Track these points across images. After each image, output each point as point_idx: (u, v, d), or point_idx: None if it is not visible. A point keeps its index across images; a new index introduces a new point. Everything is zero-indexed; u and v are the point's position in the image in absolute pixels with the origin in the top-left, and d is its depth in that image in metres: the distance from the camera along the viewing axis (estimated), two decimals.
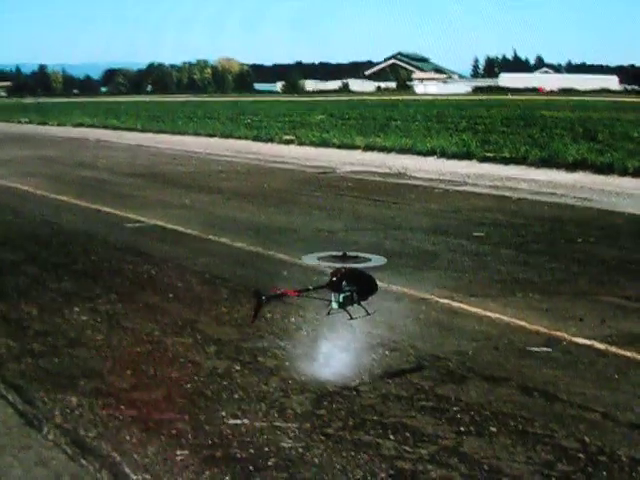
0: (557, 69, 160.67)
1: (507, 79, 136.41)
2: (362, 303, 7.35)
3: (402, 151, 30.87)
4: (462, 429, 6.10)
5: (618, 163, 24.08)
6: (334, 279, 7.28)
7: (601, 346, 8.09)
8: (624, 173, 23.38)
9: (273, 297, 7.59)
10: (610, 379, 7.21)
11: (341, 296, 7.23)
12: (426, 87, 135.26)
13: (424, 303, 9.71)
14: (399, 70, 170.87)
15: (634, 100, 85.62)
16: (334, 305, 7.23)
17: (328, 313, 7.33)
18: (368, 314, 7.39)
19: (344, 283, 7.26)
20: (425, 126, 41.85)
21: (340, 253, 7.76)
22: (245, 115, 56.92)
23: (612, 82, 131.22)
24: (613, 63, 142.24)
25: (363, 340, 8.15)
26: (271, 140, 37.84)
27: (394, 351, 7.87)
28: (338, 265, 7.62)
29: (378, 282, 7.56)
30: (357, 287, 7.32)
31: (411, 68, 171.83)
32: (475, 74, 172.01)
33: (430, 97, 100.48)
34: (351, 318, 7.33)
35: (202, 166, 28.01)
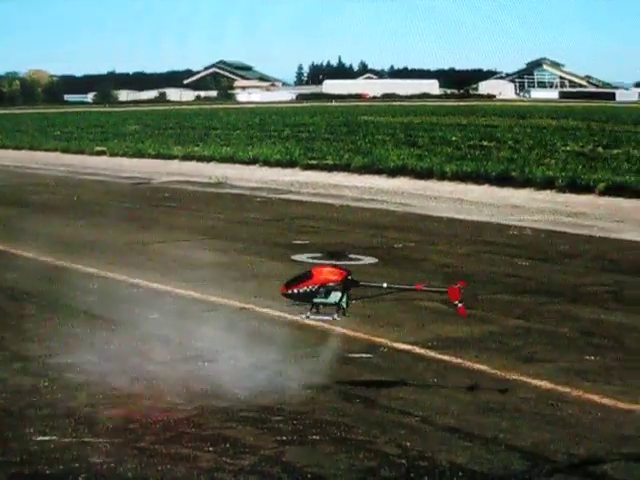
0: (380, 74, 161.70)
1: (331, 86, 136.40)
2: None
3: (223, 160, 30.73)
4: (284, 438, 5.93)
5: (437, 168, 24.79)
6: (349, 278, 6.82)
7: (421, 351, 8.11)
8: (442, 177, 24.12)
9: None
10: (429, 383, 7.19)
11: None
12: (250, 95, 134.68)
13: (244, 312, 9.53)
14: (220, 79, 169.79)
15: (453, 104, 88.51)
16: (343, 304, 6.80)
17: (314, 313, 6.92)
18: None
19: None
20: (247, 134, 41.79)
21: (332, 251, 7.34)
22: (55, 127, 55.33)
23: (433, 86, 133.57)
24: (434, 67, 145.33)
25: (181, 352, 7.89)
26: (82, 152, 36.94)
27: (211, 362, 7.61)
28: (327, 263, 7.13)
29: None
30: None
31: (233, 76, 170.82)
32: (300, 81, 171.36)
33: (252, 105, 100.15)
34: (344, 314, 6.91)
35: (8, 179, 26.96)
